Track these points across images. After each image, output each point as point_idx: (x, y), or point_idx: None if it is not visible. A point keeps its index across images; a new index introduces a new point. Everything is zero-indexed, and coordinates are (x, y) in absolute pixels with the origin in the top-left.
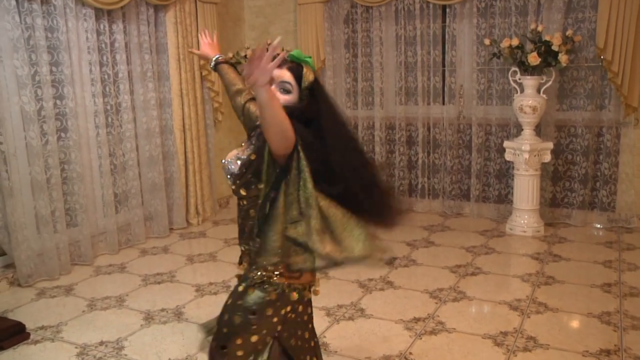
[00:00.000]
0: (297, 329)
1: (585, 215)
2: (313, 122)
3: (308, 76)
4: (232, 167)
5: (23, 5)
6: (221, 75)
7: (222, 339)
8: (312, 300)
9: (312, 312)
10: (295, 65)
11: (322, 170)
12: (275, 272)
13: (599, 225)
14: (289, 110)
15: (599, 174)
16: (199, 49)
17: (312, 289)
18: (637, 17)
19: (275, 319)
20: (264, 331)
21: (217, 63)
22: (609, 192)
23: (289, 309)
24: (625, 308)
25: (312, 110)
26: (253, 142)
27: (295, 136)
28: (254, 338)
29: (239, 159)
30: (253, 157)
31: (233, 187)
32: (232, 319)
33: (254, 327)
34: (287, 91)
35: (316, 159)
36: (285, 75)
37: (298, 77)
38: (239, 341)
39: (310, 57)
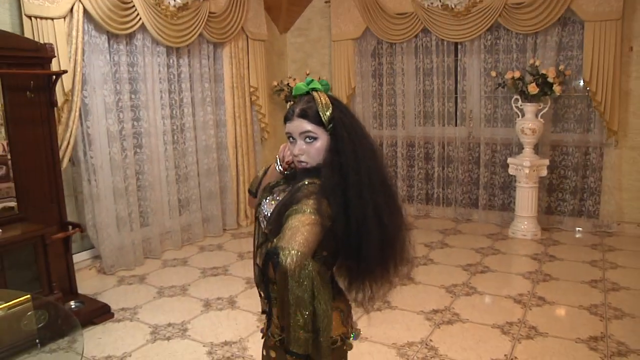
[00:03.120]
0: None
1: (575, 221)
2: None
3: (324, 106)
4: (266, 208)
5: (113, 46)
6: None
7: None
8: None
9: None
10: (305, 104)
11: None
12: None
13: (585, 230)
14: (328, 163)
15: (585, 186)
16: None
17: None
18: (614, 57)
19: None
20: None
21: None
22: (594, 202)
23: None
24: (609, 301)
25: (342, 145)
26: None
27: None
28: None
29: (273, 199)
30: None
31: (266, 231)
32: None
33: None
34: (313, 139)
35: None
36: (300, 125)
37: (314, 116)
38: None
39: (312, 80)
